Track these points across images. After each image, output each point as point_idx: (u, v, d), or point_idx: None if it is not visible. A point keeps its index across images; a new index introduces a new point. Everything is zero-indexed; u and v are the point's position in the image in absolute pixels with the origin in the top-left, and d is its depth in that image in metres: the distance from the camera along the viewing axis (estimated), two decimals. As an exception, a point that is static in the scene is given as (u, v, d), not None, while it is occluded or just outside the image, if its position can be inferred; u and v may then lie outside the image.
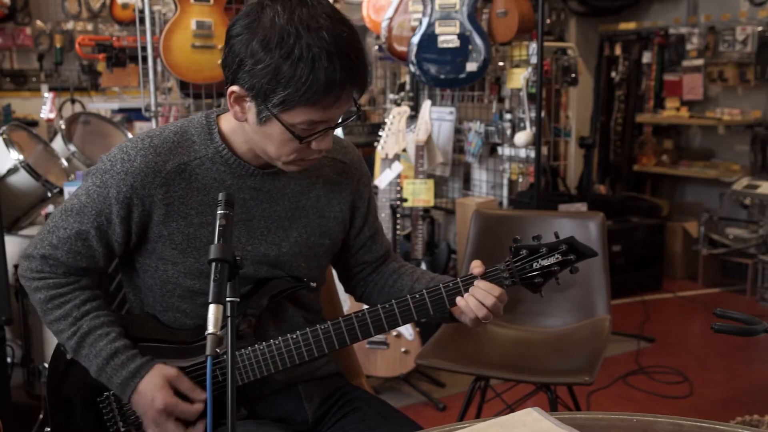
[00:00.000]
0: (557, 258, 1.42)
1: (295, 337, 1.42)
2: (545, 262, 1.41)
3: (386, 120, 3.51)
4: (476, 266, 1.42)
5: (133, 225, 1.40)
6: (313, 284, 1.53)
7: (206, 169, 1.42)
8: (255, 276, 1.46)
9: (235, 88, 1.31)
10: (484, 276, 1.41)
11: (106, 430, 1.44)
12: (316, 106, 1.28)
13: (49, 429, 1.50)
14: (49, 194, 3.02)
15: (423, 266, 3.48)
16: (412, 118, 3.68)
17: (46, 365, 1.61)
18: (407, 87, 3.95)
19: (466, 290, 1.41)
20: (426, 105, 3.67)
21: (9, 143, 2.96)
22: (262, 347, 1.42)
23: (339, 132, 3.27)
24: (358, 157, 1.60)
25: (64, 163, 3.30)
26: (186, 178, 1.40)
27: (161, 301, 1.47)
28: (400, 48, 3.70)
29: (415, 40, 3.52)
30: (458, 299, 1.42)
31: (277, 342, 1.42)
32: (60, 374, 1.46)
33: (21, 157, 2.94)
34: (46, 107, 5.15)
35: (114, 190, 1.38)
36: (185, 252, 1.41)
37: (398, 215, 3.36)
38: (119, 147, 1.41)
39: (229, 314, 1.11)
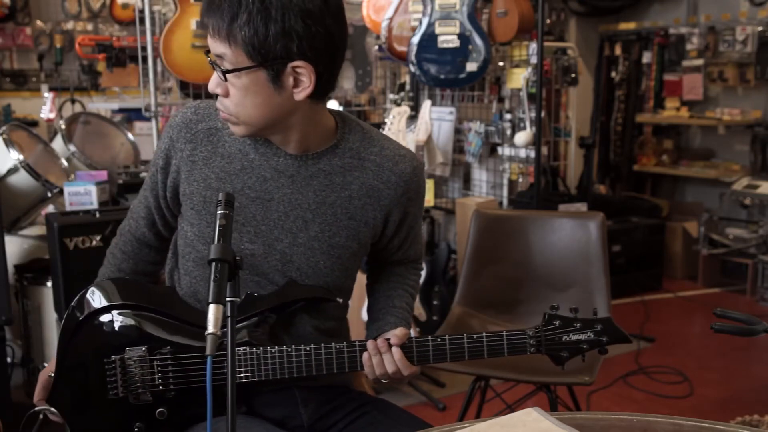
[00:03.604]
0: (589, 336, 1.35)
1: (308, 349, 1.39)
2: (575, 338, 1.35)
3: (386, 120, 3.51)
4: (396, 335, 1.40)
5: (169, 178, 1.48)
6: (340, 300, 1.51)
7: (234, 139, 1.46)
8: (263, 269, 1.45)
9: None
10: (508, 333, 1.38)
11: (105, 390, 1.44)
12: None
13: (52, 375, 1.52)
14: (49, 194, 3.02)
15: (423, 267, 3.48)
16: (412, 118, 3.68)
17: (47, 365, 1.61)
18: (407, 87, 3.95)
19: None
20: (426, 105, 3.67)
21: (9, 143, 2.96)
22: (273, 351, 1.39)
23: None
24: (412, 170, 1.49)
25: (64, 163, 3.31)
26: (213, 142, 1.47)
27: (183, 264, 1.52)
28: (400, 48, 3.69)
29: (415, 40, 3.52)
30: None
31: (289, 350, 1.39)
32: (72, 330, 1.48)
33: (21, 157, 2.94)
34: (46, 107, 5.15)
35: (161, 142, 1.51)
36: (200, 214, 1.45)
37: (398, 215, 3.35)
38: None
39: (229, 314, 1.11)
